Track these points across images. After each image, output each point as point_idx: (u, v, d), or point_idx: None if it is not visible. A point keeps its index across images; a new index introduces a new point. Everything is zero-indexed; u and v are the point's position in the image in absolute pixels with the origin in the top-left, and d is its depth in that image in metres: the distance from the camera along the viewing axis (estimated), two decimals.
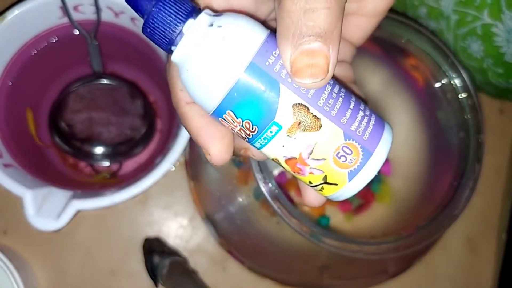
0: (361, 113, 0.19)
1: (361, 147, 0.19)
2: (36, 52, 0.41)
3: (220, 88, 0.18)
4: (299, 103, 0.18)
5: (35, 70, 0.42)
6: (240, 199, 0.40)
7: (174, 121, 0.41)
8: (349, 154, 0.19)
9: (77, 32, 0.40)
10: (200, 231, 0.44)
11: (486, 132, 0.35)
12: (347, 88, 0.21)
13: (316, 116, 0.18)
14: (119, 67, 0.45)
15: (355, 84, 0.24)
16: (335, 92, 0.19)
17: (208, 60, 0.18)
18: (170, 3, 0.18)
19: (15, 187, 0.35)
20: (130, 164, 0.45)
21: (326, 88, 0.19)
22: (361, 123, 0.19)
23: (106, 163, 0.44)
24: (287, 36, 0.17)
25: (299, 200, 0.44)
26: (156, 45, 0.19)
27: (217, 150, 0.20)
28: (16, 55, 0.40)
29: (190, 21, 0.18)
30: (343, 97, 0.19)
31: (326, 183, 0.19)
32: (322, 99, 0.18)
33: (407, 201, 0.42)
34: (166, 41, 0.19)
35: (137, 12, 0.19)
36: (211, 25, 0.18)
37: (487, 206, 0.47)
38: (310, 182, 0.20)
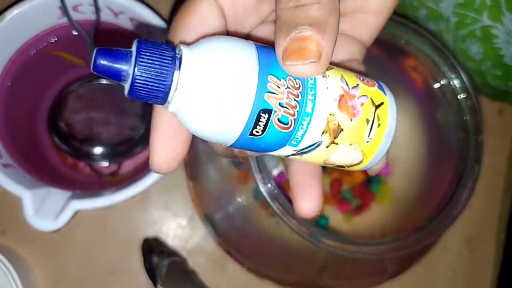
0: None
1: (365, 78, 0.20)
2: (35, 52, 0.41)
3: (249, 64, 0.17)
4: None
5: (34, 70, 0.42)
6: (239, 200, 0.40)
7: None
8: (365, 78, 0.20)
9: (76, 32, 0.40)
10: (199, 231, 0.44)
11: (485, 133, 0.35)
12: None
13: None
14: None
15: None
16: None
17: (222, 63, 0.17)
18: (150, 59, 0.17)
19: (14, 187, 0.35)
20: (129, 164, 0.45)
21: None
22: (361, 74, 0.20)
23: (105, 163, 0.44)
24: (281, 31, 0.18)
25: None
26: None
27: (159, 154, 0.19)
28: (15, 55, 0.39)
29: (177, 72, 0.17)
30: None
31: (377, 107, 0.19)
32: None
33: (406, 201, 0.42)
34: (160, 98, 0.17)
35: (114, 79, 0.17)
36: (202, 61, 0.17)
37: (486, 206, 0.47)
38: (367, 120, 0.19)
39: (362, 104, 0.19)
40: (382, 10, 0.22)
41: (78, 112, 0.44)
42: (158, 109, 0.19)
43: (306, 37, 0.17)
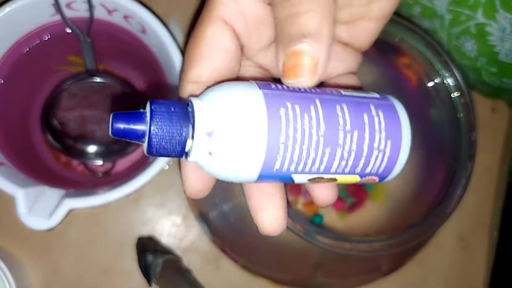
0: (375, 153, 0.19)
1: (376, 177, 0.20)
2: (28, 49, 0.40)
3: (255, 157, 0.18)
4: (313, 178, 0.19)
5: (27, 68, 0.41)
6: (234, 198, 0.40)
7: None
8: (366, 182, 0.20)
9: (69, 30, 0.40)
10: (193, 229, 0.44)
11: (479, 131, 0.35)
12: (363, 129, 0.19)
13: (331, 178, 0.19)
14: (112, 64, 0.45)
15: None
16: (348, 150, 0.19)
17: (233, 140, 0.17)
18: (164, 118, 0.17)
19: (6, 186, 0.35)
20: (123, 163, 0.45)
21: (339, 151, 0.18)
22: (376, 161, 0.19)
23: (99, 162, 0.44)
24: (279, 43, 0.18)
25: (293, 199, 0.44)
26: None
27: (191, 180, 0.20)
28: (8, 53, 0.39)
29: (191, 127, 0.18)
30: (356, 148, 0.19)
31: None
32: (335, 166, 0.19)
33: (400, 199, 0.42)
34: (178, 152, 0.18)
35: (133, 140, 0.18)
36: (213, 111, 0.18)
37: (479, 204, 0.47)
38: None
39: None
40: (384, 16, 0.22)
41: (72, 110, 0.43)
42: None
43: (300, 52, 0.17)
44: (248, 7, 0.20)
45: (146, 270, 0.39)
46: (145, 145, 0.18)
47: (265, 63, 0.22)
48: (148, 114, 0.17)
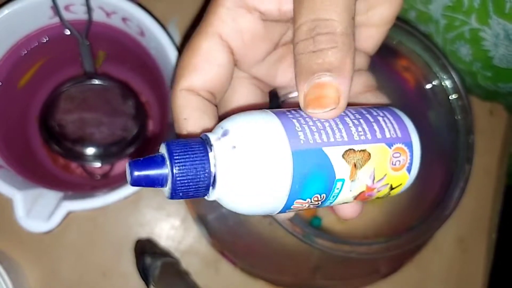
0: (381, 119, 0.20)
1: (402, 143, 0.20)
2: (26, 52, 0.40)
3: (279, 195, 0.18)
4: (345, 151, 0.19)
5: (26, 70, 0.41)
6: None
7: (166, 121, 0.41)
8: (399, 156, 0.20)
9: (68, 32, 0.40)
10: (192, 232, 0.44)
11: (476, 133, 0.35)
12: (352, 105, 0.21)
13: (362, 150, 0.19)
14: (111, 67, 0.45)
15: (378, 90, 0.24)
16: (355, 119, 0.20)
17: (256, 177, 0.18)
18: (184, 159, 0.17)
19: (5, 188, 0.35)
20: (121, 165, 0.45)
21: (348, 120, 0.19)
22: (387, 126, 0.20)
23: (97, 164, 0.44)
24: (300, 76, 0.18)
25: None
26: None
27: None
28: (6, 55, 0.39)
29: (212, 163, 0.17)
30: (361, 117, 0.20)
31: (392, 189, 0.21)
32: (355, 132, 0.19)
33: (399, 201, 0.42)
34: (202, 191, 0.18)
35: (154, 186, 0.17)
36: (233, 147, 0.18)
37: (478, 206, 0.47)
38: (378, 198, 0.21)
39: (379, 191, 0.20)
40: (385, 22, 0.23)
41: (70, 112, 0.43)
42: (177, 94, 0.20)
43: (324, 83, 0.18)
44: (245, 24, 0.20)
45: (144, 273, 0.39)
46: (167, 189, 0.17)
47: (259, 75, 0.23)
48: (167, 157, 0.17)
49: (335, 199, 0.19)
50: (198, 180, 0.17)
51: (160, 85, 0.41)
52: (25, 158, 0.42)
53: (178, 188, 0.17)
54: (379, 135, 0.20)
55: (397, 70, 0.39)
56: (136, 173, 0.17)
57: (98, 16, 0.39)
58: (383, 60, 0.39)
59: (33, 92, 0.44)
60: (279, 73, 0.23)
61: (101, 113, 0.44)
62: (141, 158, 0.17)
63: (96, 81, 0.43)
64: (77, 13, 0.39)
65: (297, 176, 0.18)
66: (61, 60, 0.44)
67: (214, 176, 0.17)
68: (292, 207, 0.19)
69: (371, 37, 0.23)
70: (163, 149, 0.17)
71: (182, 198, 0.18)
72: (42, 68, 0.43)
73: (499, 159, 0.48)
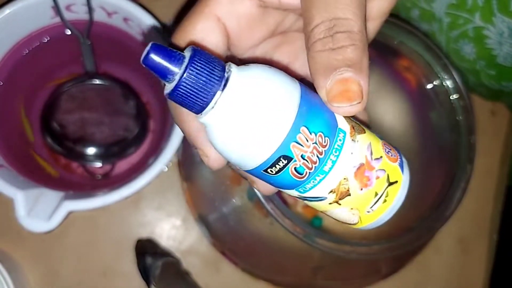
0: None
1: (390, 144, 0.21)
2: (28, 51, 0.40)
3: (287, 112, 0.18)
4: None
5: (27, 70, 0.41)
6: (234, 200, 0.40)
7: (167, 121, 0.41)
8: (390, 150, 0.20)
9: (69, 32, 0.40)
10: (193, 232, 0.44)
11: (478, 134, 0.35)
12: None
13: (357, 123, 0.20)
14: (112, 67, 0.45)
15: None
16: None
17: (264, 98, 0.18)
18: (200, 70, 0.17)
19: (6, 188, 0.35)
20: (122, 165, 0.45)
21: None
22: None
23: (98, 164, 0.44)
24: (320, 72, 0.18)
25: (292, 201, 0.44)
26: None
27: (215, 152, 0.20)
28: (8, 54, 0.39)
29: (219, 91, 0.18)
30: None
31: (389, 184, 0.20)
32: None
33: None
34: (197, 108, 0.18)
35: (159, 76, 0.18)
36: (247, 67, 0.18)
37: (479, 207, 0.47)
38: (376, 194, 0.20)
39: (377, 177, 0.20)
40: (381, 15, 0.23)
41: (71, 112, 0.43)
42: (186, 119, 0.20)
43: (348, 78, 0.18)
44: (243, 8, 0.20)
45: (145, 273, 0.39)
46: (168, 86, 0.17)
47: (252, 61, 0.22)
48: (187, 60, 0.17)
49: (338, 153, 0.19)
50: (200, 96, 0.17)
51: (161, 85, 0.40)
52: (26, 158, 0.42)
53: (179, 93, 0.17)
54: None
55: (399, 70, 0.39)
56: (152, 56, 0.17)
57: (99, 16, 0.39)
58: (385, 60, 0.39)
59: (34, 92, 0.44)
60: (273, 61, 0.23)
61: (102, 113, 0.44)
62: (166, 47, 0.17)
63: (97, 81, 0.43)
64: (78, 13, 0.39)
65: (304, 99, 0.18)
66: (62, 60, 0.44)
67: (215, 103, 0.17)
68: (297, 138, 0.18)
69: (367, 30, 0.23)
70: (187, 51, 0.17)
71: (176, 102, 0.18)
72: (43, 68, 0.43)
73: (501, 160, 0.48)
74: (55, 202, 0.36)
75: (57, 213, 0.35)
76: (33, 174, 0.40)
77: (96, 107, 0.44)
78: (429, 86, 0.37)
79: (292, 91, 0.18)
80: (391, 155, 0.20)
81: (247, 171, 0.19)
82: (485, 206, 0.47)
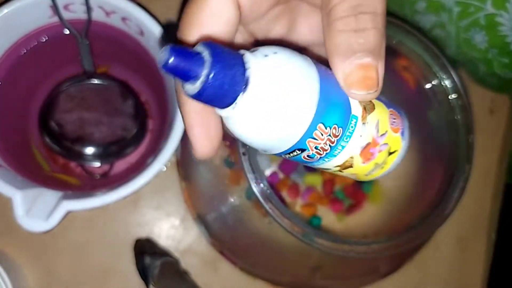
0: None
1: (395, 109, 0.21)
2: (26, 51, 0.40)
3: (306, 109, 0.18)
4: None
5: (25, 69, 0.41)
6: (232, 200, 0.40)
7: (165, 121, 0.41)
8: (396, 119, 0.21)
9: (67, 31, 0.40)
10: (191, 231, 0.44)
11: (476, 133, 0.35)
12: None
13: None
14: (110, 66, 0.44)
15: None
16: None
17: (286, 89, 0.18)
18: (224, 67, 0.17)
19: (4, 188, 0.35)
20: (121, 165, 0.45)
21: None
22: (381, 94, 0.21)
23: (97, 164, 0.44)
24: (338, 53, 0.18)
25: (291, 201, 0.44)
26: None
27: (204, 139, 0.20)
28: (5, 54, 0.39)
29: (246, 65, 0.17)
30: None
31: (389, 154, 0.21)
32: None
33: (398, 201, 0.42)
34: (224, 104, 0.17)
35: (180, 78, 0.17)
36: (265, 55, 0.18)
37: (477, 206, 0.47)
38: (376, 164, 0.21)
39: (380, 151, 0.20)
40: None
41: (70, 112, 0.43)
42: (184, 100, 0.20)
43: (368, 65, 0.18)
44: None
45: (144, 272, 0.39)
46: (193, 87, 0.17)
47: (254, 30, 0.22)
48: (209, 59, 0.17)
49: (348, 139, 0.19)
50: (226, 93, 0.17)
51: (160, 84, 0.40)
52: (24, 157, 0.42)
53: (205, 93, 0.17)
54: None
55: (397, 69, 0.39)
56: (173, 60, 0.16)
57: (97, 15, 0.39)
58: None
59: (32, 91, 0.44)
60: (273, 31, 0.22)
61: (100, 112, 0.44)
62: (184, 48, 0.17)
63: (96, 81, 0.43)
64: (77, 12, 0.39)
65: (323, 90, 0.18)
66: (60, 59, 0.44)
67: (246, 83, 0.17)
68: (313, 134, 0.18)
69: None
70: (205, 49, 0.17)
71: (203, 102, 0.17)
72: (41, 67, 0.43)
73: (499, 158, 0.48)
74: (53, 202, 0.36)
75: (55, 213, 0.35)
76: (31, 174, 0.40)
77: (95, 107, 0.44)
78: (428, 85, 0.37)
79: (312, 85, 0.18)
80: (395, 125, 0.21)
81: (267, 153, 0.20)
82: (484, 204, 0.48)
